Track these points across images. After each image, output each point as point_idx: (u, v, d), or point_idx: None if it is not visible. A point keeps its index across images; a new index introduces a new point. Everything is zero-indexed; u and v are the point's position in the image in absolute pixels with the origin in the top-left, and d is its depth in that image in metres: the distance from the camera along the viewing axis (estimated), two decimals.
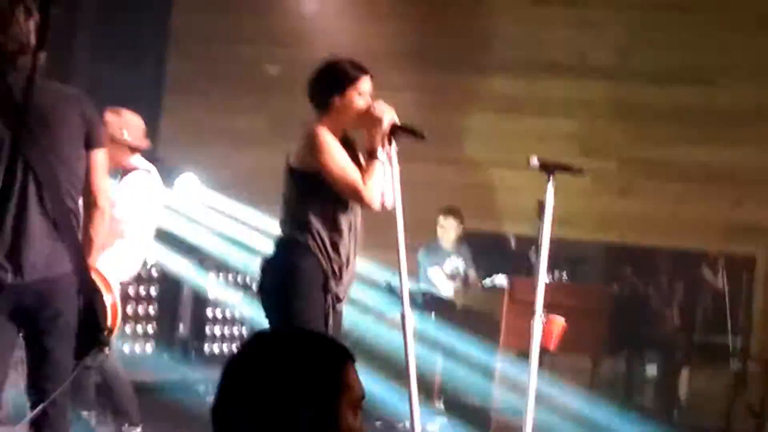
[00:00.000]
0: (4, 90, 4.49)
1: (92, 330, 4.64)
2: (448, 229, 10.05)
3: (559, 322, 7.49)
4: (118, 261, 7.04)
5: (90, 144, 4.71)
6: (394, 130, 5.28)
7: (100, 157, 4.71)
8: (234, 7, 11.53)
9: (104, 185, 4.72)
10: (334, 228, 5.31)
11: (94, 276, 4.66)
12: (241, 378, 2.38)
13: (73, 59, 11.00)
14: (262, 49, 11.41)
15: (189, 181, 10.41)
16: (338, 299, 5.37)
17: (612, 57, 10.92)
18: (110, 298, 4.85)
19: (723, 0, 10.76)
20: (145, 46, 11.42)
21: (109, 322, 4.79)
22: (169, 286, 9.75)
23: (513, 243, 10.67)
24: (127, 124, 7.23)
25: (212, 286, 10.04)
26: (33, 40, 4.56)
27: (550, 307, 6.74)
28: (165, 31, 11.86)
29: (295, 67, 5.46)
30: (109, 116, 7.11)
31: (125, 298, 9.25)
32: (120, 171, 7.19)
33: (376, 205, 5.34)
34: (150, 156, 11.12)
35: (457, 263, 10.03)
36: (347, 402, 2.38)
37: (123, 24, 11.02)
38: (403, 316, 5.20)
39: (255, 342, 2.47)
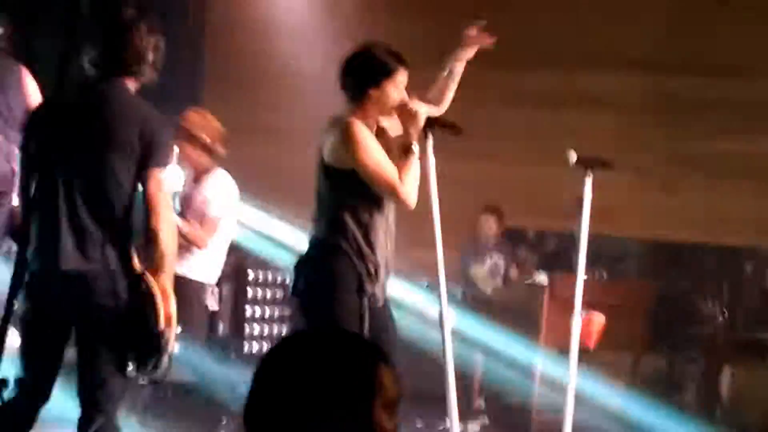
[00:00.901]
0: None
1: (141, 334, 4.62)
2: (488, 227, 10.02)
3: (599, 320, 7.47)
4: (217, 260, 7.20)
5: (146, 164, 4.68)
6: (430, 125, 5.21)
7: (156, 175, 4.68)
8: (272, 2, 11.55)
9: (156, 204, 4.65)
10: (370, 227, 5.23)
11: (151, 281, 4.62)
12: (274, 378, 2.36)
13: None
14: (293, 44, 11.40)
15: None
16: (376, 298, 5.31)
17: (652, 49, 10.83)
18: (164, 306, 4.77)
19: None
20: (182, 40, 11.44)
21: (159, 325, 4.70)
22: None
23: (537, 238, 10.58)
24: (207, 126, 7.38)
25: (252, 284, 10.02)
26: (151, 57, 4.70)
27: (590, 305, 6.72)
28: (202, 25, 11.91)
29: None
30: (192, 116, 7.32)
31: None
32: (194, 171, 7.54)
33: (413, 202, 5.26)
34: None
35: (497, 261, 9.99)
36: (381, 403, 2.34)
37: (160, 18, 11.04)
38: (441, 315, 5.15)
39: (287, 342, 2.46)
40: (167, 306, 4.63)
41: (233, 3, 11.71)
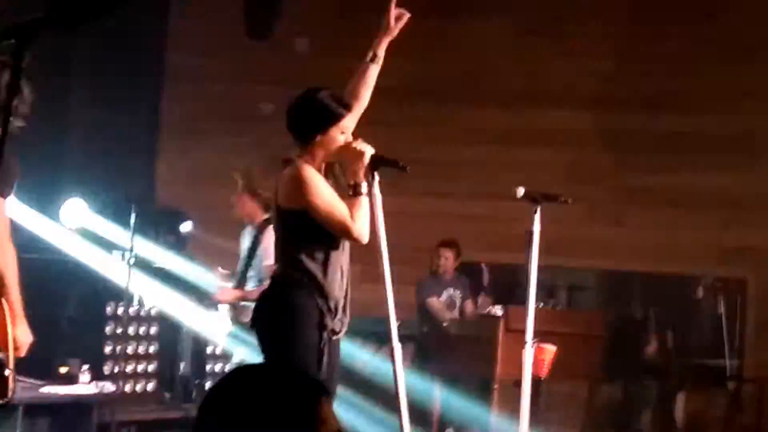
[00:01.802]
0: None
1: None
2: (445, 261, 10.15)
3: (550, 349, 7.56)
4: None
5: None
6: (376, 163, 5.33)
7: None
8: (228, 46, 11.66)
9: None
10: (326, 265, 5.36)
11: None
12: (217, 412, 2.42)
13: (69, 103, 11.11)
14: (257, 88, 11.54)
15: (188, 226, 10.54)
16: (335, 333, 5.44)
17: (600, 86, 11.05)
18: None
19: (708, 31, 10.88)
20: (139, 88, 11.54)
21: None
22: (169, 324, 9.82)
23: (488, 274, 10.71)
24: (258, 182, 7.75)
25: (213, 324, 10.10)
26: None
27: (545, 335, 6.83)
28: (161, 70, 11.98)
29: None
30: (250, 172, 7.70)
31: (127, 338, 9.38)
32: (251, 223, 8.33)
33: (365, 239, 5.38)
34: (150, 199, 11.34)
35: (453, 293, 10.13)
36: None
37: (118, 66, 11.13)
38: (391, 349, 5.26)
39: (231, 377, 2.51)
40: (8, 327, 4.72)
41: (191, 48, 11.84)
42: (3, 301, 4.76)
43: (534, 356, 6.10)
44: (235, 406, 2.41)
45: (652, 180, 10.81)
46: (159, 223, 10.46)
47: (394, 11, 5.62)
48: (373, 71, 5.65)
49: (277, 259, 5.50)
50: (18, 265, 7.10)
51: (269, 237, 7.76)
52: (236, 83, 11.67)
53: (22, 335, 4.77)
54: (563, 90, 11.12)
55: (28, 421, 7.70)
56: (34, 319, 9.09)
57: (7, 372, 4.75)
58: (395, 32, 5.63)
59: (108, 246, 9.78)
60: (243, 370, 2.56)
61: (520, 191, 6.02)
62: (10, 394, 4.82)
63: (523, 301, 6.12)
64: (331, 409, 2.47)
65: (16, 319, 4.76)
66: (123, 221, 9.60)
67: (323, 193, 5.28)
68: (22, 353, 4.88)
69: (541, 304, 9.06)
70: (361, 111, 5.64)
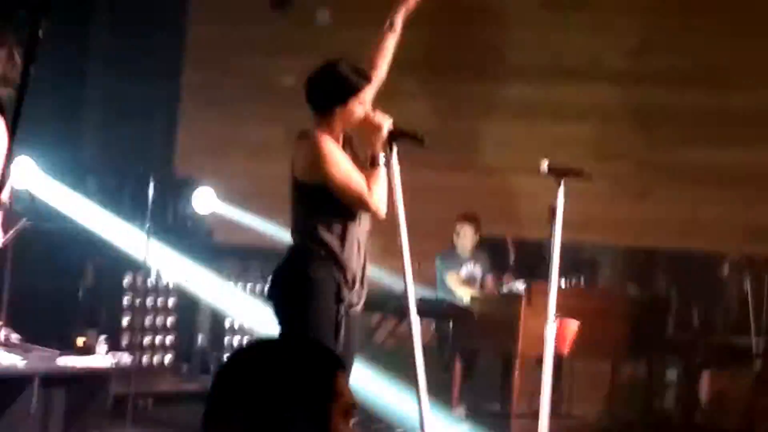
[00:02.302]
0: None
1: None
2: (464, 236, 10.06)
3: (573, 325, 7.49)
4: None
5: None
6: (394, 136, 5.27)
7: None
8: (248, 17, 11.58)
9: None
10: (344, 237, 5.31)
11: None
12: (231, 385, 2.37)
13: (88, 72, 11.06)
14: (277, 59, 11.45)
15: (206, 192, 10.47)
16: (352, 305, 5.38)
17: (625, 60, 10.92)
18: None
19: (736, 4, 10.73)
20: (160, 57, 11.46)
21: None
22: (187, 296, 9.77)
23: (512, 249, 10.62)
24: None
25: (230, 295, 10.06)
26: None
27: (569, 311, 6.75)
28: (180, 42, 11.92)
29: None
30: None
31: (144, 310, 9.33)
32: None
33: (383, 212, 5.34)
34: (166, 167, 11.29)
35: (473, 269, 10.04)
36: (338, 409, 2.37)
37: (137, 36, 11.07)
38: (410, 323, 5.20)
39: (246, 349, 2.47)
40: None
41: (213, 18, 11.75)
42: None
43: (556, 333, 5.99)
44: (249, 378, 2.36)
45: (678, 155, 10.68)
46: (177, 193, 10.38)
47: None
48: (390, 41, 5.59)
49: (293, 231, 5.42)
50: (36, 235, 7.08)
51: None
52: (257, 54, 11.58)
53: None
54: (588, 64, 10.98)
55: (44, 392, 7.67)
56: (51, 290, 9.13)
57: None
58: (413, 3, 5.56)
59: (127, 216, 9.72)
60: (259, 342, 2.51)
61: (545, 165, 5.91)
62: None
63: (545, 277, 6.02)
64: (347, 383, 2.43)
65: None
66: (141, 192, 9.54)
67: (340, 165, 5.22)
68: None
69: (564, 280, 8.97)
70: (380, 82, 5.57)
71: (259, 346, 2.50)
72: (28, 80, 2.84)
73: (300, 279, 5.29)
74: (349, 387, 2.42)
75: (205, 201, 10.45)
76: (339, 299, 5.26)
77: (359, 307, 5.45)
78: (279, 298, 5.38)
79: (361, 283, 5.39)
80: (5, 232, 5.29)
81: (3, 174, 2.90)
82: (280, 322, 5.36)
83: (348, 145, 5.40)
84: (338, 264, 5.26)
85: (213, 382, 2.41)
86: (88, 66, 11.04)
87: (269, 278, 5.50)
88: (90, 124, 11.15)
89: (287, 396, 2.33)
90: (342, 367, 2.44)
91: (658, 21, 10.89)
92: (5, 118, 4.73)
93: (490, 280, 10.07)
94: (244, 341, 9.94)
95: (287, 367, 2.37)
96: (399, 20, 5.59)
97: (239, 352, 2.47)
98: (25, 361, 7.60)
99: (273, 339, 2.61)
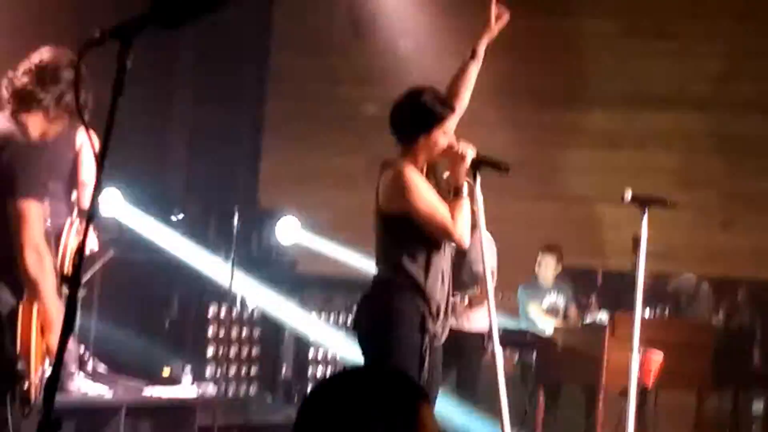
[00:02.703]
0: None
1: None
2: (547, 266, 10.01)
3: (657, 357, 7.43)
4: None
5: (7, 193, 4.77)
6: (478, 164, 5.27)
7: (17, 205, 4.75)
8: (330, 47, 11.67)
9: (18, 234, 4.73)
10: (428, 268, 5.30)
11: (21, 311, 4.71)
12: (317, 415, 2.38)
13: (174, 102, 11.20)
14: (359, 88, 11.52)
15: (290, 223, 10.54)
16: (436, 337, 5.38)
17: (710, 87, 10.82)
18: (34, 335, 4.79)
19: None
20: (244, 87, 11.58)
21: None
22: (271, 327, 9.83)
23: (596, 279, 10.56)
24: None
25: (314, 326, 10.10)
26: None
27: (653, 343, 6.69)
28: (264, 72, 12.03)
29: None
30: None
31: (229, 340, 9.40)
32: None
33: (467, 242, 5.33)
34: (253, 200, 11.39)
35: (556, 299, 9.98)
36: None
37: (222, 66, 11.19)
38: (493, 354, 5.19)
39: (332, 380, 2.48)
40: (33, 335, 4.66)
41: (297, 49, 11.85)
42: (33, 308, 4.71)
43: (640, 364, 5.94)
44: (334, 409, 2.37)
45: (762, 184, 10.56)
46: (261, 224, 10.47)
47: (495, 9, 5.56)
48: (473, 70, 5.60)
49: (377, 262, 5.43)
50: (123, 266, 7.14)
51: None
52: (339, 83, 11.65)
53: (53, 342, 4.72)
54: (670, 91, 10.91)
55: (130, 423, 7.75)
56: (137, 320, 9.23)
57: (26, 384, 4.70)
58: (496, 31, 5.58)
59: (211, 247, 9.81)
60: (344, 372, 2.52)
61: (628, 194, 5.87)
62: (32, 407, 4.75)
63: (629, 307, 5.97)
64: (431, 414, 2.42)
65: (49, 326, 4.71)
66: (226, 223, 9.64)
67: (425, 195, 5.22)
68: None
69: (648, 311, 8.90)
70: (462, 110, 5.58)
71: (345, 376, 2.50)
72: (115, 111, 2.88)
73: (385, 309, 5.29)
74: (433, 418, 2.41)
75: (289, 231, 10.52)
76: (424, 330, 5.25)
77: (443, 339, 5.44)
78: (364, 329, 5.39)
79: (446, 313, 5.39)
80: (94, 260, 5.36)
81: (93, 202, 2.94)
82: (365, 353, 5.36)
83: (432, 174, 5.41)
84: (423, 295, 5.26)
85: (299, 412, 2.42)
86: (174, 97, 11.18)
87: (354, 308, 5.51)
88: (176, 156, 11.28)
89: (372, 427, 2.33)
90: (426, 397, 2.44)
91: (743, 48, 10.79)
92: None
93: (573, 310, 10.00)
94: (328, 372, 9.97)
95: (372, 397, 2.38)
96: (482, 48, 5.61)
97: (325, 383, 2.47)
98: (111, 392, 7.69)
99: (358, 369, 2.61)
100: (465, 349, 8.20)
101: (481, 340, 8.30)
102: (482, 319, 8.03)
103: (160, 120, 10.83)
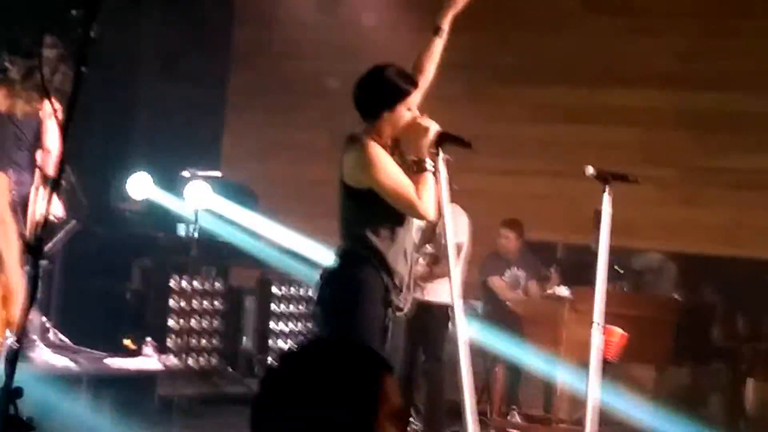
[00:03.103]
0: None
1: None
2: (508, 241, 10.04)
3: (618, 332, 7.48)
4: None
5: None
6: (441, 139, 5.28)
7: None
8: (294, 21, 11.62)
9: None
10: (392, 241, 5.32)
11: None
12: (279, 387, 2.39)
13: (138, 76, 11.14)
14: (322, 63, 11.49)
15: (251, 196, 10.53)
16: (399, 309, 5.40)
17: (674, 64, 10.86)
18: None
19: None
20: (207, 62, 11.52)
21: None
22: (233, 300, 9.82)
23: (557, 254, 10.60)
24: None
25: (275, 299, 10.10)
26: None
27: (614, 317, 6.72)
28: (227, 46, 11.97)
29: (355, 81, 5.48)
30: None
31: (190, 313, 9.38)
32: None
33: (432, 216, 5.35)
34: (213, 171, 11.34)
35: (517, 273, 10.02)
36: (385, 412, 2.38)
37: (186, 40, 11.13)
38: (457, 328, 5.20)
39: (295, 351, 2.48)
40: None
41: (260, 24, 11.80)
42: None
43: (604, 339, 5.97)
44: (297, 380, 2.38)
45: (726, 160, 10.62)
46: (223, 196, 10.43)
47: None
48: (438, 45, 5.59)
49: (341, 235, 5.43)
50: (84, 237, 7.12)
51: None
52: (303, 58, 11.61)
53: (15, 313, 4.71)
54: (635, 68, 10.94)
55: (92, 393, 7.72)
56: (99, 292, 9.20)
57: None
58: (460, 5, 5.56)
59: (173, 220, 9.79)
60: (307, 344, 2.52)
61: (590, 170, 5.89)
62: None
63: (590, 282, 6.00)
64: (395, 385, 2.43)
65: (11, 295, 4.69)
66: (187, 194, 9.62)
67: (390, 171, 5.22)
68: (16, 329, 4.78)
69: (609, 286, 8.94)
70: (427, 85, 5.57)
71: (308, 348, 2.51)
72: (80, 81, 2.87)
73: (349, 282, 5.30)
74: (396, 390, 2.42)
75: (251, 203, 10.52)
76: (387, 303, 5.27)
77: (405, 312, 5.46)
78: (327, 301, 5.39)
79: (408, 287, 5.41)
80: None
81: (58, 170, 2.94)
82: (328, 325, 5.37)
83: (395, 149, 5.41)
84: (387, 268, 5.27)
85: (261, 383, 2.42)
86: (138, 71, 11.11)
87: (318, 281, 5.51)
88: (138, 126, 11.22)
89: (335, 398, 2.34)
90: (390, 370, 2.45)
91: (707, 25, 10.83)
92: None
93: (534, 284, 10.04)
94: (289, 344, 9.99)
95: (335, 369, 2.38)
96: (446, 23, 5.60)
97: (288, 354, 2.48)
98: (73, 362, 7.66)
99: (321, 341, 2.62)
100: (430, 323, 8.25)
101: (446, 312, 8.32)
102: (447, 291, 8.06)
103: (123, 94, 10.76)
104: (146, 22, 11.10)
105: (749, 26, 10.71)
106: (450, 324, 8.41)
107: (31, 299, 2.93)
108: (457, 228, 7.73)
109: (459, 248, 8.14)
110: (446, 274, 6.97)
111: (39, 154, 5.54)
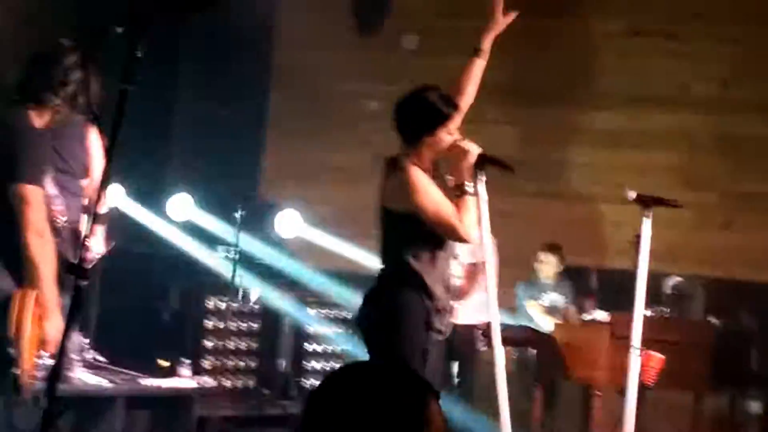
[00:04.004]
0: None
1: None
2: (548, 265, 10.00)
3: (657, 357, 7.42)
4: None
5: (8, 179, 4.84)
6: (482, 163, 5.27)
7: (18, 191, 4.82)
8: (335, 43, 11.65)
9: (21, 219, 4.76)
10: (433, 265, 5.32)
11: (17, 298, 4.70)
12: (324, 409, 2.37)
13: (177, 96, 11.17)
14: (363, 85, 11.51)
15: (290, 216, 10.54)
16: (440, 333, 5.39)
17: (713, 89, 10.81)
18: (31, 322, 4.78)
19: None
20: (247, 82, 11.55)
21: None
22: (270, 320, 9.82)
23: (595, 278, 10.54)
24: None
25: (312, 320, 10.10)
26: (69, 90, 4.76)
27: (651, 342, 6.68)
28: (268, 67, 12.01)
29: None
30: None
31: (227, 333, 9.38)
32: None
33: (473, 240, 5.35)
34: (254, 194, 11.37)
35: (556, 298, 9.98)
36: None
37: (226, 60, 11.16)
38: (495, 350, 5.19)
39: (339, 374, 2.46)
40: (27, 322, 4.65)
41: (299, 45, 11.83)
42: (30, 295, 4.70)
43: (642, 364, 5.94)
44: (342, 403, 2.36)
45: (764, 186, 10.55)
46: (263, 219, 10.45)
47: (501, 5, 5.56)
48: (478, 66, 5.60)
49: (382, 258, 5.44)
50: (124, 257, 7.09)
51: None
52: (343, 80, 11.64)
53: (52, 330, 4.71)
54: (674, 92, 10.90)
55: (127, 414, 7.74)
56: (136, 311, 9.22)
57: (17, 371, 4.69)
58: (501, 27, 5.56)
59: (212, 240, 9.81)
60: (351, 367, 2.51)
61: (632, 194, 5.88)
62: (23, 393, 4.74)
63: (627, 307, 5.97)
64: (439, 410, 2.40)
65: (47, 313, 4.70)
66: (227, 216, 9.64)
67: (431, 195, 5.22)
68: (52, 349, 4.80)
69: (648, 311, 8.88)
70: (467, 107, 5.57)
71: (353, 370, 2.48)
72: (125, 102, 2.88)
73: (391, 305, 5.30)
74: (441, 415, 2.40)
75: (290, 224, 10.52)
76: (429, 327, 5.27)
77: (446, 335, 5.46)
78: (370, 324, 5.39)
79: (449, 311, 5.40)
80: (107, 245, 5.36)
81: (101, 188, 2.95)
82: (370, 347, 5.37)
83: (436, 172, 5.41)
84: (427, 292, 5.27)
85: (306, 405, 2.41)
86: (177, 91, 11.15)
87: (360, 304, 5.51)
88: (178, 150, 11.25)
89: (379, 422, 2.33)
90: (435, 393, 2.44)
91: (747, 49, 10.77)
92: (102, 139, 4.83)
93: (572, 310, 9.99)
94: (326, 366, 9.98)
95: (380, 393, 2.37)
96: (487, 44, 5.60)
97: (332, 377, 2.46)
98: (110, 383, 7.68)
99: (366, 364, 2.60)
100: (457, 344, 8.23)
101: (471, 334, 8.33)
102: (471, 312, 8.06)
103: (162, 116, 10.79)
104: (185, 41, 11.13)
105: None
106: (479, 345, 8.44)
107: (72, 319, 2.95)
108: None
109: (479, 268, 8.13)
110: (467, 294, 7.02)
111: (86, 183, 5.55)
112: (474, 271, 8.23)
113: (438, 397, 2.45)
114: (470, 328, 8.30)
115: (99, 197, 3.09)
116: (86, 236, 2.99)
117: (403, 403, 2.36)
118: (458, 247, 7.47)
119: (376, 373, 2.46)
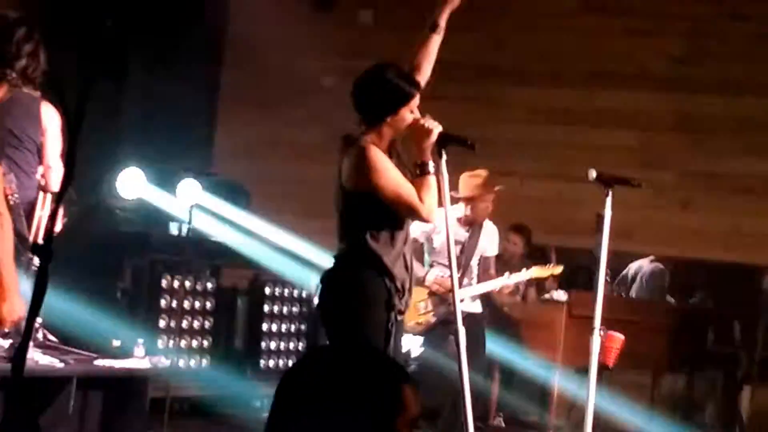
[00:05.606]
0: None
1: None
2: (515, 246, 9.93)
3: (618, 338, 7.41)
4: None
5: None
6: (444, 141, 5.17)
7: None
8: (290, 17, 11.52)
9: None
10: (392, 245, 5.24)
11: None
12: (296, 393, 2.34)
13: (127, 71, 11.01)
14: (319, 60, 11.39)
15: (244, 194, 10.43)
16: (401, 312, 5.32)
17: (671, 67, 10.80)
18: None
19: None
20: (199, 58, 11.42)
21: None
22: (225, 300, 9.72)
23: (553, 256, 10.50)
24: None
25: (267, 299, 10.00)
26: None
27: (609, 322, 6.65)
28: (221, 42, 11.88)
29: (351, 79, 5.36)
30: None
31: (182, 312, 9.27)
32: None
33: (434, 219, 5.28)
34: (204, 169, 11.24)
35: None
36: (403, 421, 2.35)
37: (177, 35, 11.03)
38: (456, 332, 5.12)
39: (312, 357, 2.46)
40: None
41: (253, 18, 11.69)
42: None
43: (602, 344, 5.89)
44: (314, 388, 2.34)
45: (723, 165, 10.57)
46: (217, 195, 10.32)
47: None
48: (435, 42, 5.48)
49: (340, 238, 5.34)
50: (76, 234, 7.01)
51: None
52: (298, 55, 11.50)
53: (6, 309, 4.59)
54: (634, 70, 10.87)
55: (81, 394, 7.62)
56: (89, 290, 9.08)
57: None
58: (457, 3, 5.45)
59: (165, 217, 9.69)
60: (323, 351, 2.47)
61: (593, 173, 5.82)
62: None
63: (585, 286, 5.92)
64: (413, 395, 2.40)
65: (4, 293, 4.58)
66: (179, 192, 9.53)
67: (390, 175, 5.13)
68: (6, 327, 4.67)
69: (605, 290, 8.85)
70: (424, 83, 5.45)
71: (324, 354, 2.49)
72: (90, 90, 2.79)
73: (351, 286, 5.22)
74: (414, 399, 2.40)
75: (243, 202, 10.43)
76: (390, 306, 5.18)
77: (405, 315, 5.39)
78: (330, 306, 5.30)
79: (409, 290, 5.32)
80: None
81: (67, 168, 2.85)
82: (329, 329, 5.28)
83: (393, 150, 5.31)
84: (387, 272, 5.18)
85: (277, 390, 2.39)
86: (128, 66, 10.99)
87: (318, 285, 5.41)
88: (129, 124, 11.12)
89: (354, 406, 2.31)
90: (408, 378, 2.42)
91: (704, 28, 10.77)
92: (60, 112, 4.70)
93: (533, 290, 9.94)
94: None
95: (353, 377, 2.36)
96: (443, 21, 5.49)
97: (302, 361, 2.45)
98: (62, 363, 7.56)
99: (337, 348, 2.58)
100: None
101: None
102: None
103: (113, 90, 10.64)
104: (136, 17, 10.98)
105: (746, 30, 10.65)
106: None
107: (38, 303, 2.85)
108: (493, 243, 8.27)
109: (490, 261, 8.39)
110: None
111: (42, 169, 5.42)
112: (486, 265, 8.29)
113: (410, 380, 2.41)
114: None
115: (64, 178, 2.99)
116: (52, 214, 2.88)
117: (378, 388, 2.35)
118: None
119: (349, 357, 2.43)
